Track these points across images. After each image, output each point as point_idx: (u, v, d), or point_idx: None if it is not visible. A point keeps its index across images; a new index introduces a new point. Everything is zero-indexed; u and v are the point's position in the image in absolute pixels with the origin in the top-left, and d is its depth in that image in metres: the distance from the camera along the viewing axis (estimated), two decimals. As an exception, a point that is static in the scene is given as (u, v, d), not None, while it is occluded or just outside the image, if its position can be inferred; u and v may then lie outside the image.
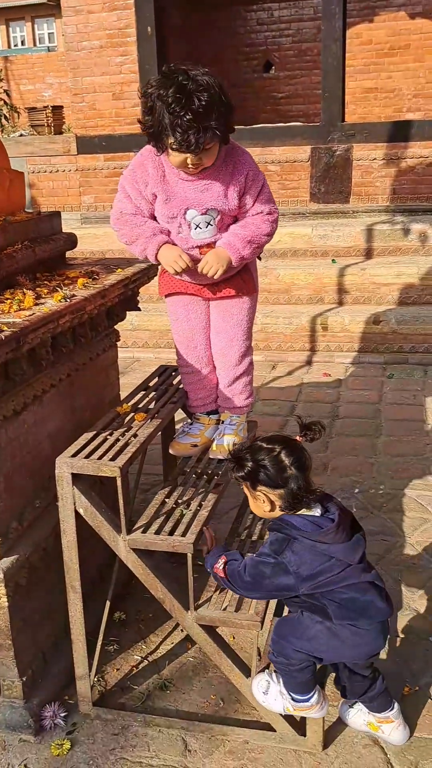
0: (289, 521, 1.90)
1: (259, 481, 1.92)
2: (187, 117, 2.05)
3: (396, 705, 2.11)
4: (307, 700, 2.01)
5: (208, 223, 2.36)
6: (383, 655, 2.46)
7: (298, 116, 9.09)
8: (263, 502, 1.94)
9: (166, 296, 2.66)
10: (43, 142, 7.34)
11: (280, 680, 2.05)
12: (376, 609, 1.90)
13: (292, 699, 2.02)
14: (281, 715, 2.11)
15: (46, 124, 7.68)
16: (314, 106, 8.67)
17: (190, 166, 2.21)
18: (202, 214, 2.34)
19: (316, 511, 1.93)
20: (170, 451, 2.73)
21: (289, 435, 2.03)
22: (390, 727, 2.09)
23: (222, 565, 2.03)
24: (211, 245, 2.41)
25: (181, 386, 2.80)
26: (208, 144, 2.14)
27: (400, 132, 6.62)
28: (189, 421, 2.81)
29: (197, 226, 2.36)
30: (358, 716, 2.15)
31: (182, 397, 2.75)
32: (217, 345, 2.66)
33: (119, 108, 7.00)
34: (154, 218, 2.43)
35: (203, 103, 2.05)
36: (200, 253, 2.42)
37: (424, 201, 6.68)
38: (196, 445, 2.67)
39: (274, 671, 2.09)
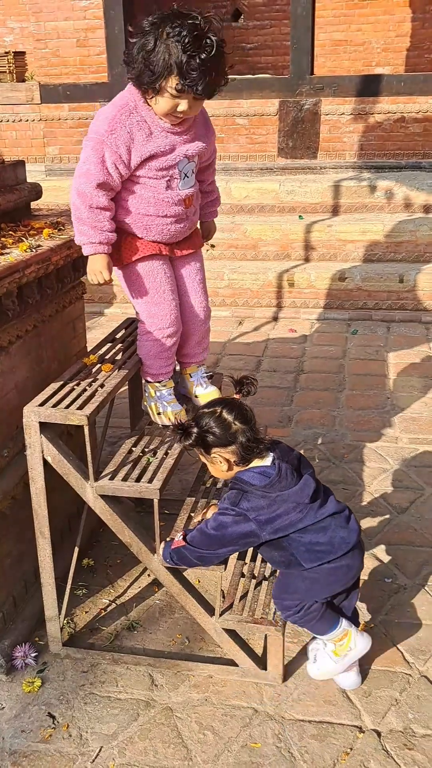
0: (240, 478, 2.01)
1: (210, 444, 2.01)
2: (202, 57, 2.01)
3: (343, 619, 2.18)
4: (337, 628, 2.11)
5: (192, 171, 2.35)
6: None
7: (266, 68, 8.94)
8: (220, 463, 2.04)
9: (133, 262, 2.43)
10: (5, 89, 7.12)
11: (316, 644, 2.17)
12: (340, 541, 2.02)
13: (328, 637, 2.12)
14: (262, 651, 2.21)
15: (7, 71, 7.43)
16: (283, 58, 8.53)
17: (179, 113, 2.15)
18: (190, 162, 2.32)
19: (268, 460, 2.03)
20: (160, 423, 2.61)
21: (226, 396, 2.11)
22: (353, 637, 2.15)
23: (180, 537, 2.12)
24: (191, 197, 2.39)
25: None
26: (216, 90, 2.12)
27: (368, 86, 6.58)
28: (153, 394, 2.61)
29: (185, 175, 2.33)
30: (323, 656, 2.19)
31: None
32: (194, 300, 2.60)
33: (84, 55, 6.81)
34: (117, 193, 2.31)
35: (218, 46, 2.03)
36: (185, 206, 2.37)
37: (391, 158, 6.68)
38: (188, 410, 2.63)
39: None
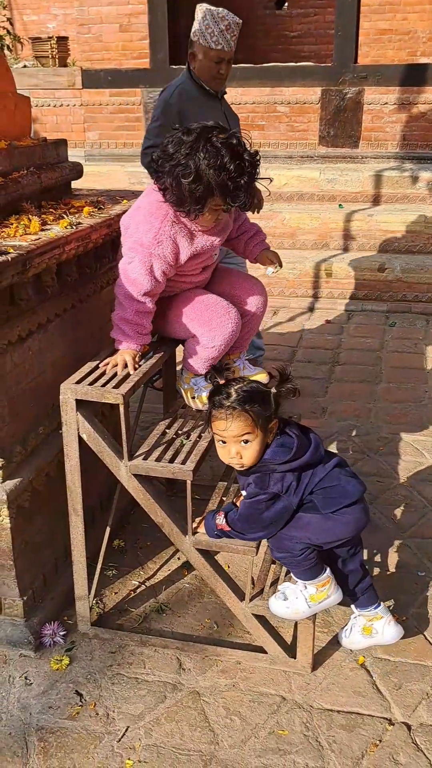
0: (263, 460, 2.02)
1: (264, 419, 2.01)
2: (245, 179, 2.12)
3: (382, 603, 2.23)
4: (323, 573, 2.12)
5: (220, 249, 2.50)
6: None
7: (309, 57, 8.83)
8: (260, 443, 2.01)
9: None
10: (47, 74, 7.13)
11: (293, 579, 2.15)
12: (352, 488, 2.07)
13: (312, 582, 2.11)
14: (273, 637, 2.19)
15: (50, 56, 7.43)
16: (326, 46, 8.42)
17: (217, 221, 2.27)
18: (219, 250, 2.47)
19: (275, 430, 2.06)
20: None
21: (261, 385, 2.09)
22: (381, 624, 2.19)
23: (223, 520, 2.12)
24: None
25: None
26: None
27: (413, 76, 6.45)
28: (188, 380, 2.58)
29: (215, 255, 2.47)
30: (354, 630, 2.23)
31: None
32: (249, 297, 2.61)
33: (126, 41, 6.79)
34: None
35: (252, 163, 2.15)
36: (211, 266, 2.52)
37: (435, 149, 6.56)
38: None
39: (286, 575, 2.20)
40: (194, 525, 2.21)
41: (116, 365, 2.27)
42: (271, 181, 2.42)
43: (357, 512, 2.07)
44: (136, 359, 2.33)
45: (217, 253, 2.52)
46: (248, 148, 2.17)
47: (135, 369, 2.29)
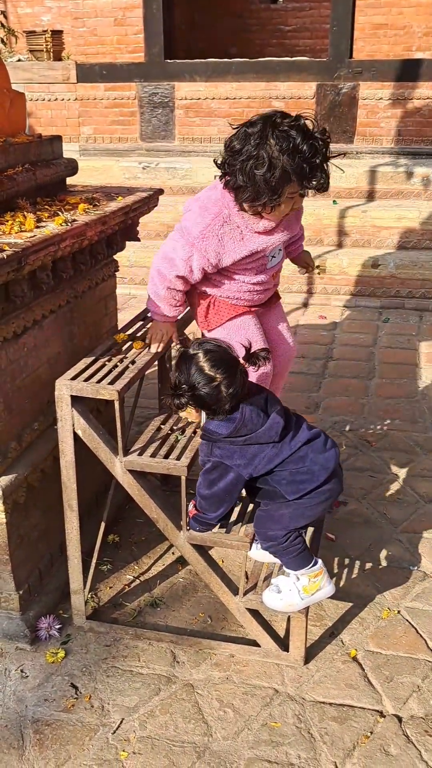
0: (207, 428, 2.03)
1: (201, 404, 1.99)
2: (319, 159, 2.07)
3: (318, 559, 2.19)
4: (315, 564, 2.13)
5: (280, 250, 2.47)
6: (367, 582, 2.57)
7: (304, 51, 8.81)
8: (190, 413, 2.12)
9: (225, 323, 2.50)
10: (42, 68, 7.10)
11: (286, 573, 2.17)
12: (319, 468, 2.02)
13: (304, 572, 2.13)
14: (267, 631, 2.22)
15: (45, 50, 7.40)
16: (322, 41, 8.40)
17: (292, 210, 2.25)
18: (280, 249, 2.46)
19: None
20: None
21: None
22: (324, 578, 2.15)
23: (192, 506, 2.18)
24: (278, 271, 2.54)
25: (179, 317, 2.80)
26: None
27: (408, 71, 6.46)
28: None
29: (273, 256, 2.44)
30: (291, 593, 2.15)
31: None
32: (280, 345, 2.68)
33: (121, 35, 6.77)
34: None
35: (324, 143, 2.10)
36: (272, 278, 2.51)
37: (429, 144, 6.56)
38: None
39: (279, 569, 2.21)
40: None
41: (152, 338, 2.41)
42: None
43: (327, 493, 2.06)
44: (173, 330, 2.43)
45: (277, 264, 2.48)
46: (316, 128, 2.12)
47: (172, 338, 2.42)
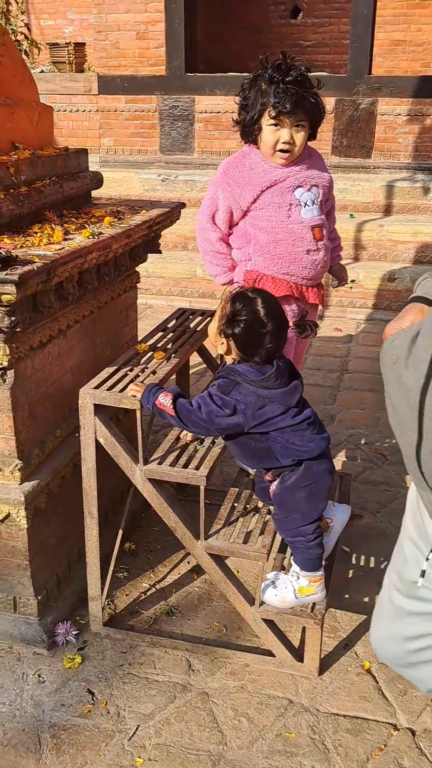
0: (235, 369, 2.05)
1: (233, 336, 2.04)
2: (287, 80, 2.35)
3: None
4: (318, 571, 2.18)
5: (313, 201, 2.56)
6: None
7: (323, 66, 8.89)
8: (223, 345, 2.08)
9: None
10: (64, 79, 7.21)
11: (286, 571, 2.22)
12: (314, 446, 2.10)
13: (308, 575, 2.18)
14: (282, 642, 2.24)
15: (67, 62, 7.52)
16: (341, 56, 8.47)
17: (283, 145, 2.44)
18: (308, 191, 2.54)
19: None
20: None
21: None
22: (321, 584, 2.21)
23: (170, 402, 2.08)
24: (320, 228, 2.56)
25: (198, 329, 2.84)
26: (304, 117, 2.42)
27: (427, 87, 6.49)
28: None
29: (305, 203, 2.53)
30: (287, 590, 2.21)
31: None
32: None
33: (143, 48, 6.87)
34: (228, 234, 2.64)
35: (300, 74, 2.39)
36: (314, 237, 2.54)
37: (447, 160, 6.60)
38: None
39: (281, 568, 2.26)
40: (135, 389, 2.17)
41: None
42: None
43: (325, 465, 2.14)
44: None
45: (313, 218, 2.53)
46: (304, 71, 2.44)
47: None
